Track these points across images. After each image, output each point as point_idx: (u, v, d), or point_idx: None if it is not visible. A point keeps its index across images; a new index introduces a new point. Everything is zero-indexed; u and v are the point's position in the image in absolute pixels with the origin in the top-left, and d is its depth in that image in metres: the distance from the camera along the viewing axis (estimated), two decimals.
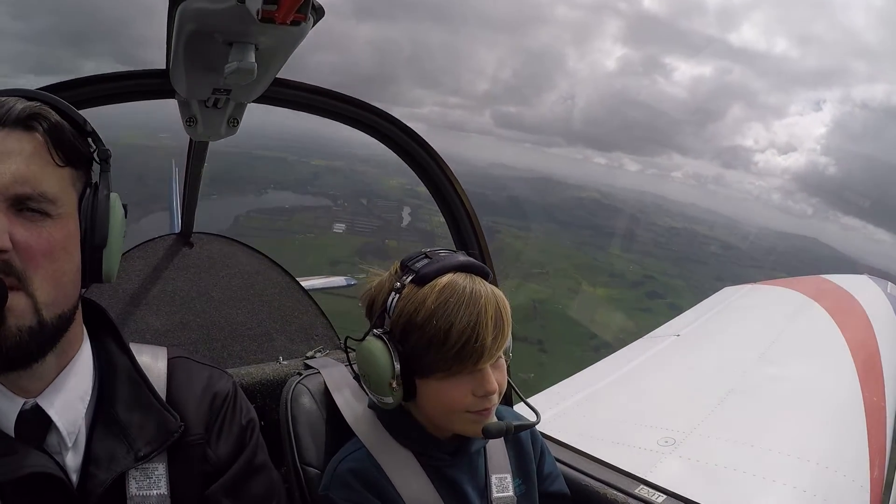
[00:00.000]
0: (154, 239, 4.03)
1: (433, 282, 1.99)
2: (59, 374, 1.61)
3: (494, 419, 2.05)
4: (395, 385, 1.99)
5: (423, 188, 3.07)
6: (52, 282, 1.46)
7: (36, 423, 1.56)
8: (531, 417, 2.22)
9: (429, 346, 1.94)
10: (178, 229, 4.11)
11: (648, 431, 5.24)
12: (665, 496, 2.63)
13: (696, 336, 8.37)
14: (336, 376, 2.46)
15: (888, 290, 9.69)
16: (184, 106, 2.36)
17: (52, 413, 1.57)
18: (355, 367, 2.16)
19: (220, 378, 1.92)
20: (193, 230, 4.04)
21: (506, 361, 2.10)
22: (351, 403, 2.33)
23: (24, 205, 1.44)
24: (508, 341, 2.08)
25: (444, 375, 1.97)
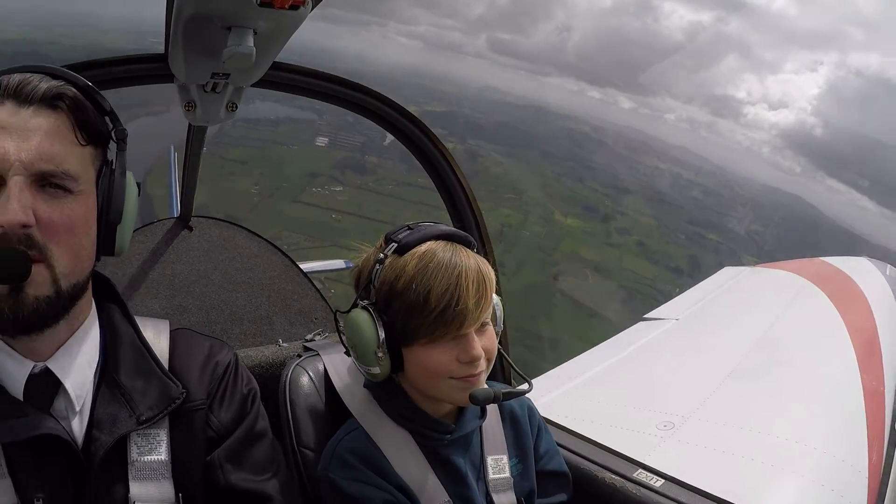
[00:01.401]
0: (153, 222, 4.04)
1: (413, 250, 2.02)
2: (68, 339, 1.66)
3: (485, 387, 2.07)
4: (380, 354, 2.01)
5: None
6: (71, 255, 1.53)
7: (45, 387, 1.61)
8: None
9: (410, 312, 1.96)
10: (177, 213, 4.11)
11: (647, 415, 5.24)
12: (663, 480, 2.63)
13: (695, 319, 8.35)
14: (335, 358, 2.47)
15: (888, 273, 9.67)
16: (182, 90, 2.36)
17: (62, 376, 1.62)
18: (345, 340, 2.17)
19: (222, 348, 1.96)
20: (193, 214, 4.05)
21: (496, 331, 2.12)
22: (348, 385, 2.33)
23: (47, 181, 1.49)
24: (499, 311, 2.14)
25: (428, 341, 1.99)
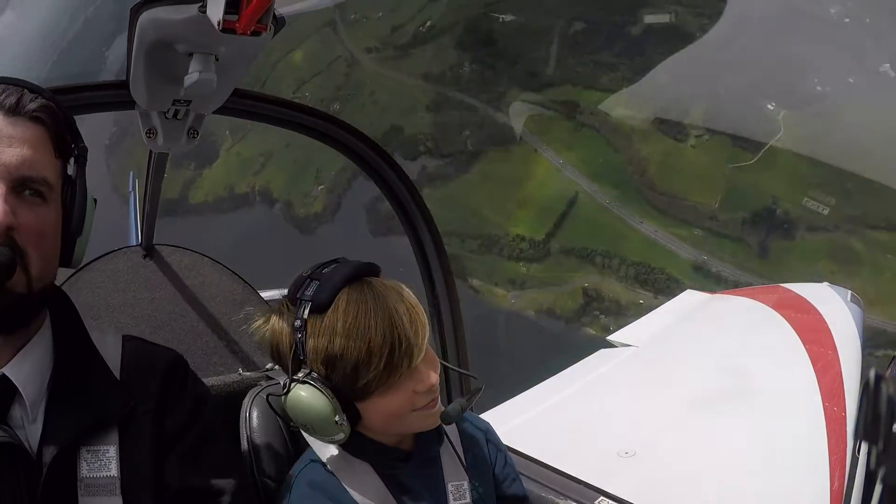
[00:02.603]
0: (113, 251, 4.00)
1: (333, 305, 1.93)
2: (23, 346, 1.69)
3: (441, 407, 2.07)
4: (340, 421, 1.95)
5: None
6: (43, 260, 1.63)
7: (1, 395, 1.63)
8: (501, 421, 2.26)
9: (357, 370, 1.90)
10: (137, 241, 4.08)
11: (608, 443, 5.26)
12: None
13: (655, 347, 8.41)
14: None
15: (848, 299, 9.80)
16: (144, 117, 2.36)
17: (19, 383, 1.64)
18: (291, 423, 2.09)
19: (170, 353, 1.98)
20: (154, 242, 4.02)
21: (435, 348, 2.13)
22: None
23: (26, 187, 1.60)
24: (427, 329, 2.04)
25: (384, 390, 1.94)
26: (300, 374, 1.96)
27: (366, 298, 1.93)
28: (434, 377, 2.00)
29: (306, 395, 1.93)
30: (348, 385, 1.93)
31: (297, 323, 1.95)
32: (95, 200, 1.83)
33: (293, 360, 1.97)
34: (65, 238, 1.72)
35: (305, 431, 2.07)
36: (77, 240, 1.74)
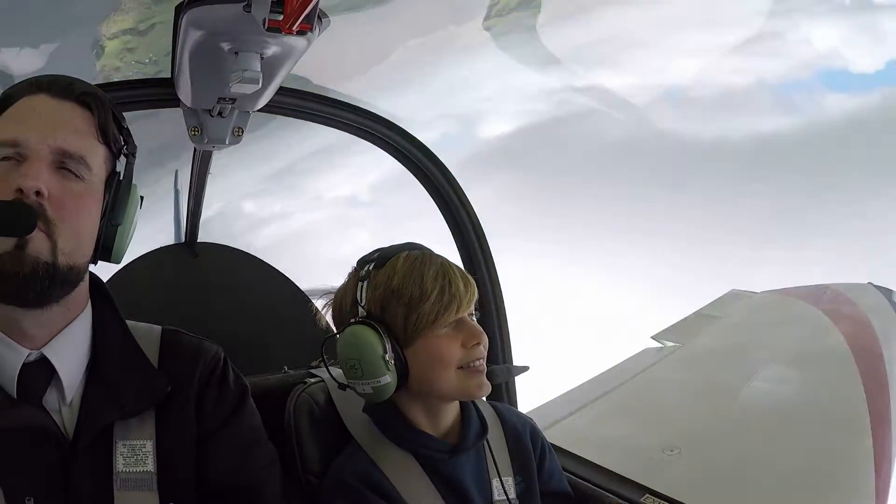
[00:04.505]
0: (158, 249, 4.04)
1: (394, 257, 2.08)
2: (62, 329, 1.70)
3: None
4: (389, 358, 2.00)
5: None
6: (72, 235, 1.61)
7: (38, 376, 1.65)
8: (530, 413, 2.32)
9: (409, 306, 2.00)
10: (182, 239, 4.11)
11: (653, 440, 5.23)
12: None
13: (700, 345, 8.37)
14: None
15: (893, 299, 9.68)
16: (189, 115, 2.38)
17: (57, 364, 1.66)
18: (336, 370, 2.18)
19: (211, 347, 1.98)
20: (198, 239, 4.05)
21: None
22: (352, 408, 2.31)
23: (64, 163, 1.61)
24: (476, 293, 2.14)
25: (430, 330, 2.01)
26: (356, 318, 2.07)
27: (423, 256, 2.08)
28: (480, 331, 2.07)
29: (360, 331, 2.02)
30: (401, 323, 2.02)
31: (362, 274, 2.10)
32: (142, 198, 1.84)
33: (352, 306, 2.10)
34: (104, 227, 1.71)
35: (353, 377, 2.09)
36: (118, 230, 1.74)
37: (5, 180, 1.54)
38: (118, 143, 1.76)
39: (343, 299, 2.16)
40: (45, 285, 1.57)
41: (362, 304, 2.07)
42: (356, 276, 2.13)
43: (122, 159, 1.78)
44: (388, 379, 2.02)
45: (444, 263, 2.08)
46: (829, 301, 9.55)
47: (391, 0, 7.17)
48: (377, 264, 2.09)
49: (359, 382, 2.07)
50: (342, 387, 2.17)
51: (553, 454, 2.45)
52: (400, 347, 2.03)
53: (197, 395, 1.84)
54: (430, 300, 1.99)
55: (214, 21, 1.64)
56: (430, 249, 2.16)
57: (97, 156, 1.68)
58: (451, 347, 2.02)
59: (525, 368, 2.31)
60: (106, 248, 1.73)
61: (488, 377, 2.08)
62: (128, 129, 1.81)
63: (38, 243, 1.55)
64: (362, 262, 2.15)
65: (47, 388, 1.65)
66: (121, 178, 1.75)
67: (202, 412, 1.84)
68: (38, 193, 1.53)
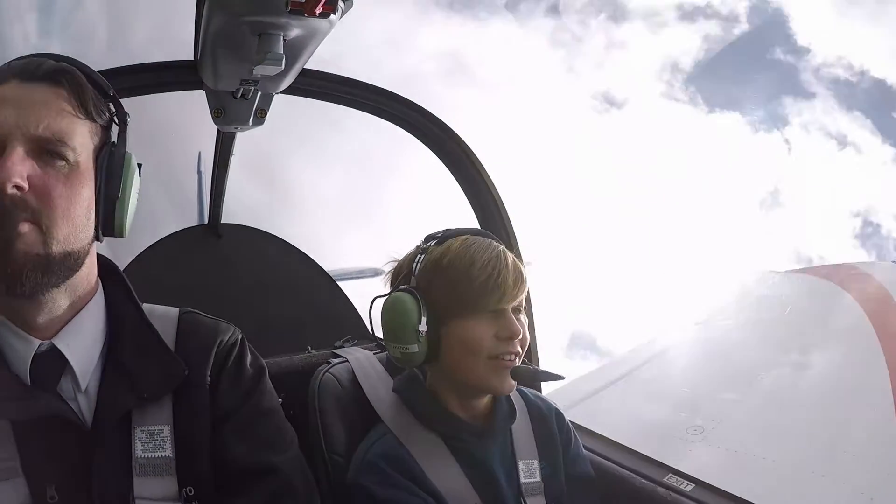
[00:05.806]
0: (182, 230, 4.06)
1: (455, 238, 2.13)
2: (72, 318, 1.68)
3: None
4: (421, 330, 2.04)
5: None
6: (64, 221, 1.56)
7: (51, 366, 1.64)
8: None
9: (453, 285, 2.04)
10: (205, 220, 4.13)
11: (677, 419, 5.23)
12: (694, 485, 2.60)
13: (725, 324, 8.34)
14: (364, 364, 2.47)
15: None
16: (212, 97, 2.38)
17: (68, 354, 1.64)
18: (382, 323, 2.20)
19: (228, 328, 1.96)
20: (221, 220, 4.06)
21: (527, 322, 2.17)
22: (378, 390, 2.33)
23: (45, 149, 1.55)
24: (526, 293, 2.15)
25: (468, 313, 2.03)
26: (404, 286, 2.15)
27: (482, 242, 2.13)
28: (517, 327, 2.06)
29: (402, 298, 2.09)
30: (443, 300, 2.06)
31: (423, 247, 2.18)
32: (140, 165, 1.78)
33: (406, 275, 2.17)
34: (101, 203, 1.67)
35: (388, 339, 2.15)
36: (115, 204, 1.68)
37: None
38: (102, 114, 1.70)
39: (401, 267, 2.23)
40: (38, 277, 1.55)
41: (415, 273, 2.12)
42: (418, 248, 2.19)
43: (115, 129, 1.74)
44: (417, 349, 2.06)
45: (500, 255, 2.09)
46: (853, 279, 9.49)
47: None
48: (439, 241, 2.15)
49: (391, 345, 2.14)
50: (379, 345, 2.21)
51: (578, 439, 2.46)
52: (437, 323, 2.06)
53: (213, 377, 1.84)
54: (474, 284, 2.02)
55: (237, 3, 1.64)
56: (498, 240, 2.20)
57: (79, 133, 1.62)
58: (483, 335, 2.04)
59: (558, 377, 2.28)
60: (107, 224, 1.69)
61: (512, 374, 2.07)
62: (115, 96, 1.75)
63: (28, 236, 1.51)
64: (428, 237, 2.22)
65: (61, 376, 1.65)
66: (112, 147, 1.70)
67: (218, 394, 1.83)
68: (18, 187, 1.48)
